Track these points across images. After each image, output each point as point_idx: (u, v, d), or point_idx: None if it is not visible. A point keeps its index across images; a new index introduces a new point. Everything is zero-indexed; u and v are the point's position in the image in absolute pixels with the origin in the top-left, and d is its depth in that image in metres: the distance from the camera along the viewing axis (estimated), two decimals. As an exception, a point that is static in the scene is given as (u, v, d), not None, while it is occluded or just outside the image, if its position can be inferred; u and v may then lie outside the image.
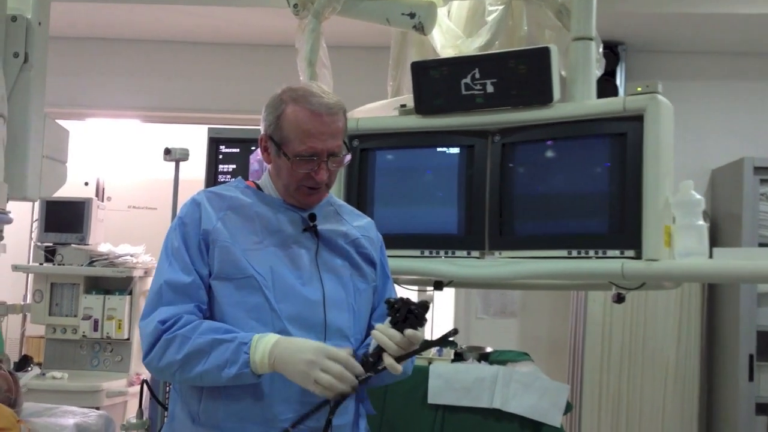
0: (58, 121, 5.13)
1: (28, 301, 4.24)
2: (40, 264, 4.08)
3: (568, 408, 2.49)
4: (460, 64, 2.40)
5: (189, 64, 4.71)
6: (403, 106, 2.59)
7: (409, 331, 1.51)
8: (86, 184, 5.23)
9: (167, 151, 2.85)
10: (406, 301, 1.54)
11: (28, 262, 4.30)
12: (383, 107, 2.87)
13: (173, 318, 1.57)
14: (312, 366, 1.47)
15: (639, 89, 2.20)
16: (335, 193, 2.58)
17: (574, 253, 2.23)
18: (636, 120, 2.17)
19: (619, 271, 2.12)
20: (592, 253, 2.20)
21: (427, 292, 1.61)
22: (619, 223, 2.18)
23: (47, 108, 4.80)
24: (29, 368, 3.81)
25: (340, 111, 1.67)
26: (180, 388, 1.70)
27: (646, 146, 2.14)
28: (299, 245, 1.69)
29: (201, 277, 1.63)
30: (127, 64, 4.76)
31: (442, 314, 4.32)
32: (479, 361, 2.67)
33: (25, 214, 4.39)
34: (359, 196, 2.56)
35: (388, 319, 1.56)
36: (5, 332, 4.23)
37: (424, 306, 1.54)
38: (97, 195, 5.19)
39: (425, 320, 1.54)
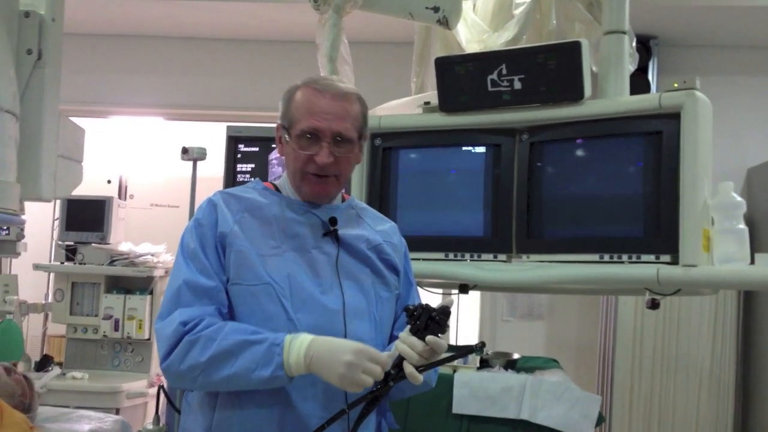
0: (80, 119, 5.14)
1: (49, 300, 4.21)
2: (61, 263, 4.05)
3: (600, 420, 2.39)
4: (486, 60, 2.33)
5: (210, 61, 4.67)
6: (426, 103, 2.53)
7: (431, 338, 1.43)
8: (109, 182, 5.20)
9: (185, 150, 2.78)
10: (426, 308, 1.46)
11: (50, 261, 4.27)
12: (406, 104, 2.79)
13: (195, 319, 1.49)
14: (353, 368, 1.40)
15: (676, 85, 2.11)
16: (356, 194, 2.53)
17: (606, 257, 2.15)
18: (672, 118, 2.08)
19: (655, 277, 2.04)
20: (625, 257, 2.12)
21: (451, 295, 1.53)
22: (655, 226, 2.09)
23: (68, 105, 4.82)
24: (49, 368, 3.78)
25: (352, 96, 1.62)
26: (192, 400, 1.63)
27: (683, 145, 2.06)
28: (319, 251, 1.61)
29: (220, 281, 1.55)
30: (149, 61, 4.73)
31: (467, 316, 4.25)
32: (506, 368, 2.58)
33: (46, 213, 4.37)
34: (381, 197, 2.51)
35: (408, 327, 1.48)
36: (26, 331, 4.22)
37: (445, 312, 1.46)
38: (119, 193, 5.17)
39: (448, 326, 1.46)
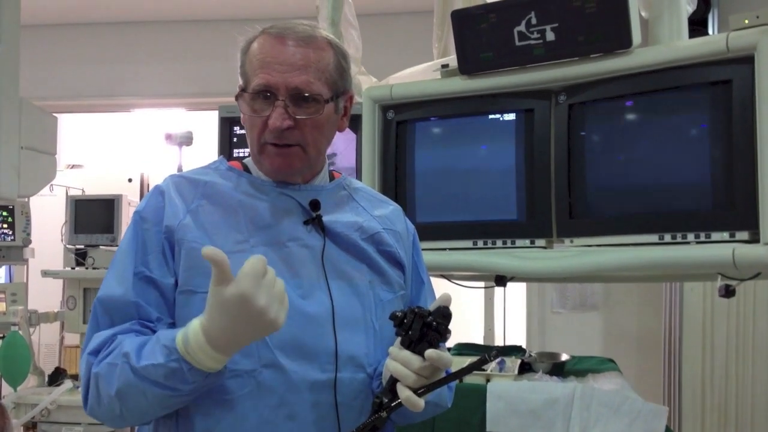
0: (100, 114, 4.99)
1: (61, 309, 3.98)
2: (72, 268, 3.81)
3: (668, 435, 2.00)
4: (511, 9, 2.07)
5: (231, 45, 4.46)
6: (445, 66, 2.24)
7: (431, 353, 1.12)
8: (130, 180, 5.10)
9: (168, 136, 2.48)
10: (418, 312, 1.16)
11: (64, 266, 4.05)
12: (423, 72, 2.49)
13: (106, 343, 1.18)
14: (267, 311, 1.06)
15: (746, 22, 1.82)
16: (367, 176, 2.19)
17: (668, 237, 1.87)
18: (744, 62, 1.78)
19: (730, 259, 1.75)
20: (691, 237, 1.83)
21: (447, 292, 1.21)
22: (727, 197, 1.82)
23: (91, 99, 4.68)
24: (61, 382, 3.54)
25: (320, 41, 1.28)
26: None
27: (759, 96, 1.75)
28: (298, 243, 1.27)
29: (162, 287, 1.23)
30: (167, 48, 4.65)
31: (513, 308, 3.93)
32: (551, 374, 2.20)
33: (59, 217, 4.16)
34: (397, 179, 2.26)
35: (398, 339, 1.18)
36: (38, 342, 4.00)
37: (443, 315, 1.15)
38: (141, 191, 5.02)
39: (449, 333, 1.16)
